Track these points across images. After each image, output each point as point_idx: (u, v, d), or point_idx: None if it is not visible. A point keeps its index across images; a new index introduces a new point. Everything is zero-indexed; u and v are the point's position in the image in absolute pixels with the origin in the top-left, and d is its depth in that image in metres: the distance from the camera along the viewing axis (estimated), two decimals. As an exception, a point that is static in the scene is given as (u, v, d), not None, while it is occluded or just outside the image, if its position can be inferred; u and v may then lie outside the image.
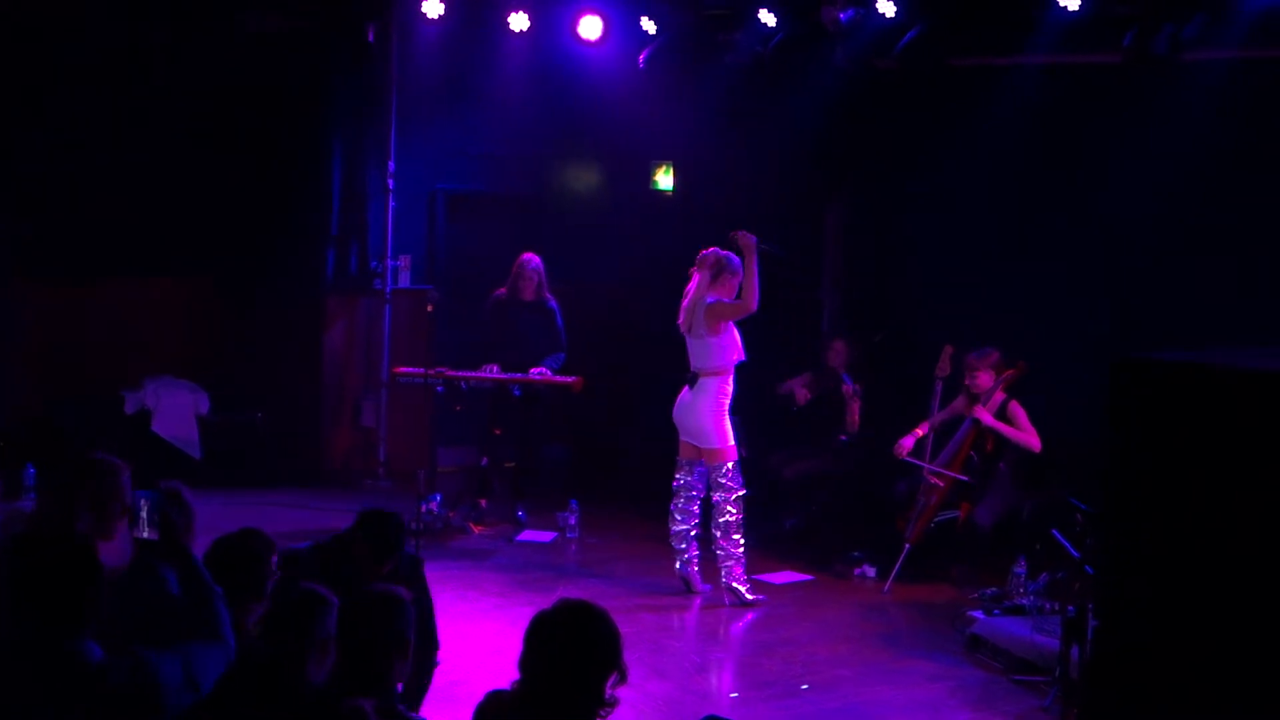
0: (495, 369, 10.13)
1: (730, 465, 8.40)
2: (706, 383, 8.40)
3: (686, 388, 8.56)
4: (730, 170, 11.81)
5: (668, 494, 8.74)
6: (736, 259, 8.41)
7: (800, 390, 10.34)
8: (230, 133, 11.48)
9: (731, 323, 8.39)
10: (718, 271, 8.38)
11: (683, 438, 8.63)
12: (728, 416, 8.46)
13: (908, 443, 9.08)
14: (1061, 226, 9.81)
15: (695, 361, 8.47)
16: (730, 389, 8.45)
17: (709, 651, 8.00)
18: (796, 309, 11.53)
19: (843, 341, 10.35)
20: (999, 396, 8.99)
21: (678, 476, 8.68)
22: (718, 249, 8.46)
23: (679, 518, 8.65)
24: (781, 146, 11.20)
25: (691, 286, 8.49)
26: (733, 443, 8.44)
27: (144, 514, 4.27)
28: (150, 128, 11.23)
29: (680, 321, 8.54)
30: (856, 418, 10.03)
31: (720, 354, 8.39)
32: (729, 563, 8.48)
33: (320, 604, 4.39)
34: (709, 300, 8.38)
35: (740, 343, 8.46)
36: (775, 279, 11.11)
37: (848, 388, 10.10)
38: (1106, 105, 9.65)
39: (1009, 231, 10.17)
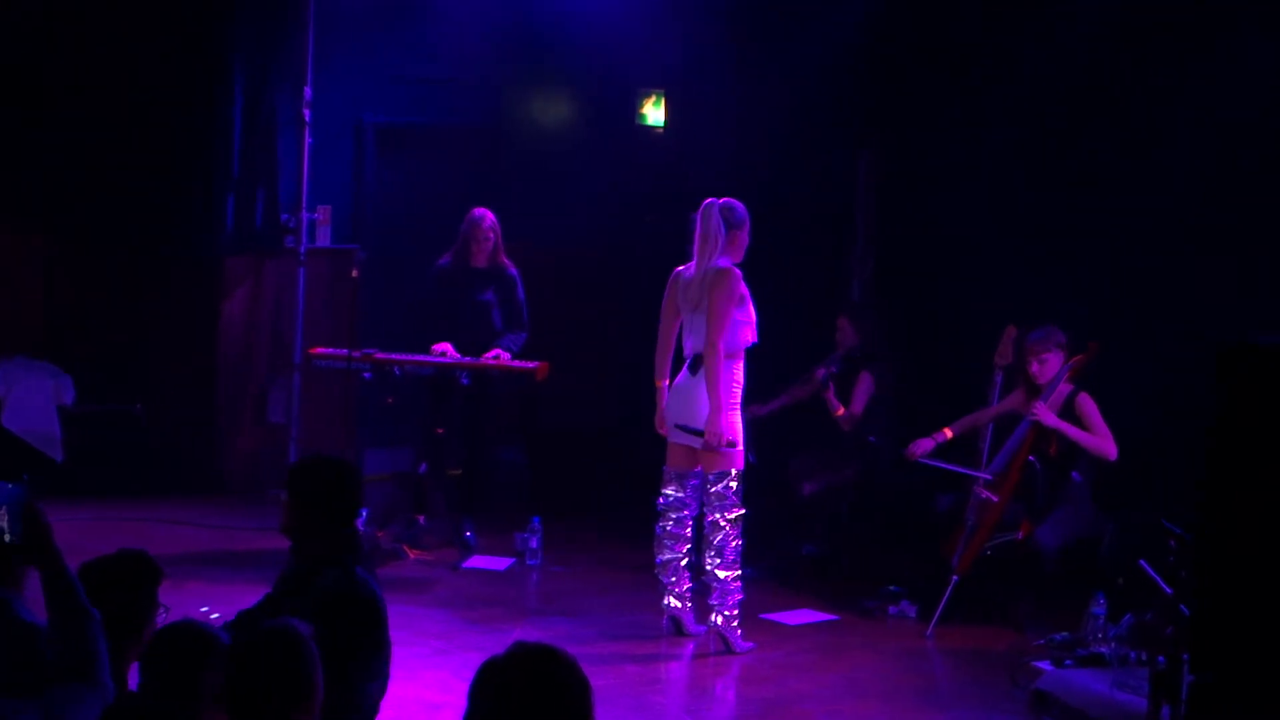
0: (449, 349, 10.11)
1: (735, 475, 8.38)
2: None
3: (681, 375, 8.54)
4: (736, 103, 11.80)
5: (652, 509, 8.72)
6: (741, 210, 8.40)
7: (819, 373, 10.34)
8: (104, 52, 11.42)
9: (747, 296, 8.36)
10: (730, 225, 8.36)
11: (673, 440, 8.61)
12: (739, 411, 8.43)
13: (925, 444, 9.10)
14: (1159, 171, 9.81)
15: (698, 342, 8.44)
16: (741, 377, 8.43)
17: (704, 710, 8.00)
18: (820, 276, 11.53)
19: (847, 319, 10.33)
20: (1065, 388, 9.00)
21: (665, 491, 8.65)
22: (726, 201, 8.42)
23: (667, 543, 8.63)
24: (802, 74, 11.19)
25: (698, 251, 8.43)
26: (741, 446, 8.41)
27: (3, 514, 4.26)
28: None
29: (682, 308, 8.49)
30: (846, 412, 10.02)
31: (731, 331, 8.35)
32: (720, 599, 8.46)
33: (207, 644, 4.38)
34: (722, 263, 8.34)
35: (755, 320, 8.43)
36: (795, 244, 11.20)
37: (820, 372, 10.09)
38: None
39: (1093, 178, 10.16)
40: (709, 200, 8.41)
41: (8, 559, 4.75)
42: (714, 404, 8.27)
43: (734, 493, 8.39)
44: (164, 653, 4.47)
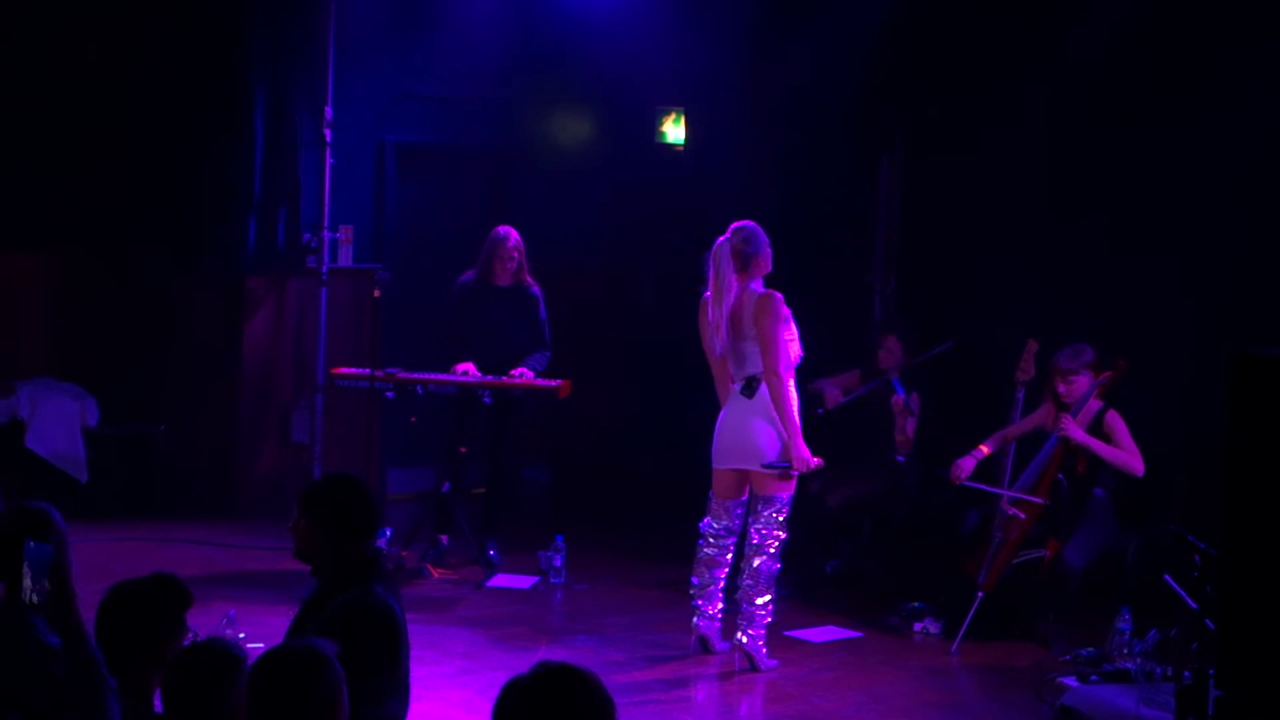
0: (471, 368, 10.12)
1: (785, 500, 8.36)
2: (766, 388, 8.35)
3: (733, 401, 8.51)
4: (756, 118, 11.82)
5: (677, 526, 8.71)
6: (755, 233, 8.35)
7: (831, 390, 10.30)
8: (126, 72, 11.47)
9: (789, 314, 8.34)
10: (743, 261, 8.32)
11: (721, 466, 8.50)
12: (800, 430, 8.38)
13: (968, 464, 9.06)
14: (1185, 182, 9.78)
15: (749, 366, 8.40)
16: (794, 393, 8.40)
17: (730, 728, 8.00)
18: (841, 293, 11.53)
19: (897, 338, 10.34)
20: (1094, 405, 8.98)
21: (710, 519, 8.61)
22: (735, 230, 8.37)
23: (706, 568, 8.59)
24: (821, 87, 11.19)
25: (713, 296, 8.40)
26: (800, 469, 8.35)
27: (27, 572, 4.26)
28: (24, 64, 11.22)
29: (717, 345, 8.44)
30: (910, 436, 10.03)
31: (782, 350, 8.33)
32: (752, 618, 8.45)
33: (229, 663, 4.39)
34: (757, 287, 8.33)
35: (799, 335, 8.42)
36: (818, 258, 11.20)
37: (899, 399, 10.09)
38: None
39: (1118, 189, 10.14)
40: (719, 240, 8.37)
41: (62, 606, 4.79)
42: (790, 429, 8.26)
43: (783, 517, 8.38)
44: (186, 672, 4.48)
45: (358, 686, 4.53)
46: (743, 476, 8.46)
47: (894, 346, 10.33)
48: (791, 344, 8.35)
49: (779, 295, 8.31)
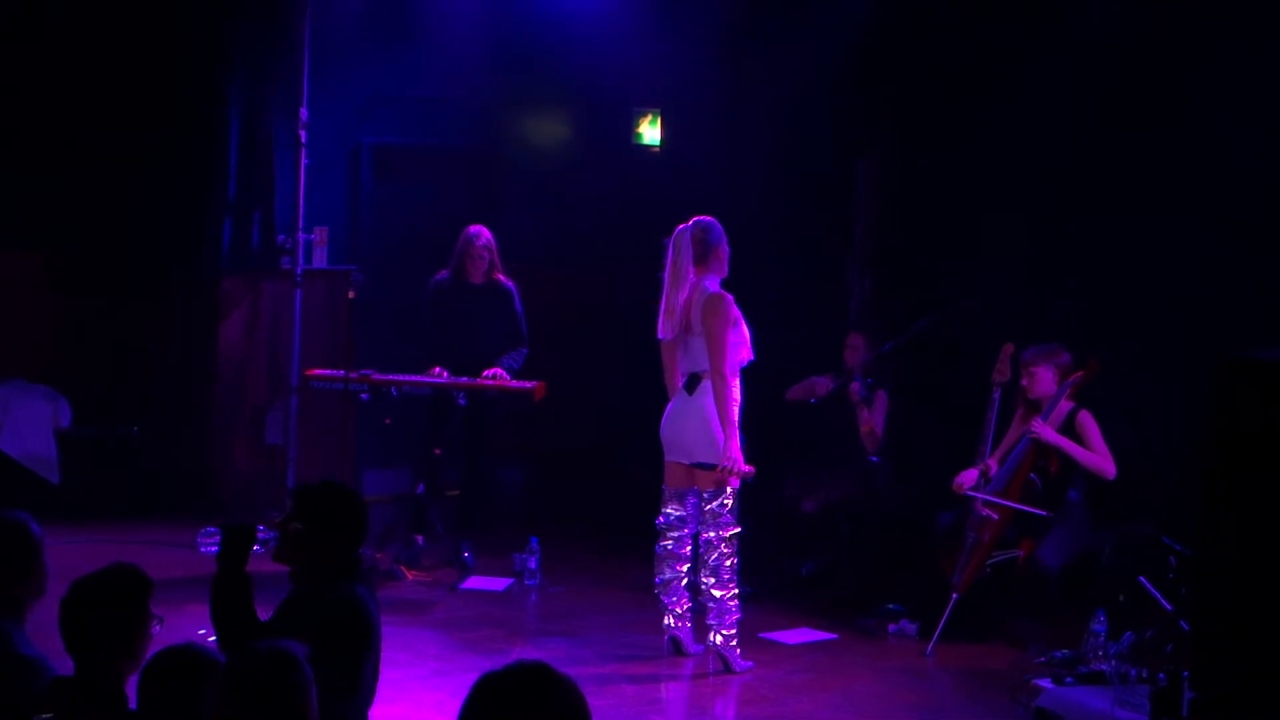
0: (445, 374, 10.11)
1: (729, 493, 8.38)
2: (708, 385, 8.38)
3: (679, 396, 8.54)
4: (732, 119, 11.82)
5: (653, 529, 8.72)
6: (715, 226, 8.38)
7: (821, 381, 10.30)
8: (98, 72, 11.44)
9: (740, 317, 8.36)
10: (703, 251, 8.35)
11: (670, 458, 8.60)
12: (738, 430, 8.41)
13: (969, 477, 9.05)
14: (1163, 185, 9.79)
15: (693, 362, 8.44)
16: (739, 395, 8.42)
17: (704, 730, 8.00)
18: (817, 294, 11.52)
19: (862, 337, 10.35)
20: (1066, 405, 8.99)
21: (665, 510, 8.65)
22: (696, 221, 8.40)
23: (667, 562, 8.63)
24: (798, 88, 11.20)
25: (668, 281, 8.42)
26: (731, 469, 8.37)
27: None
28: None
29: (666, 331, 8.47)
30: (871, 429, 10.01)
31: (729, 353, 8.34)
32: (718, 619, 8.45)
33: (205, 667, 4.37)
34: (711, 290, 8.34)
35: (749, 339, 8.43)
36: (794, 259, 11.21)
37: (855, 386, 10.09)
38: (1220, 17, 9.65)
39: (1096, 192, 10.16)
40: (680, 227, 8.41)
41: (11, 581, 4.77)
42: (726, 431, 8.29)
43: (729, 511, 8.39)
44: (162, 676, 4.46)
45: (335, 684, 4.52)
46: (690, 470, 8.50)
47: (858, 344, 10.35)
48: (740, 347, 8.38)
49: (729, 297, 8.34)
